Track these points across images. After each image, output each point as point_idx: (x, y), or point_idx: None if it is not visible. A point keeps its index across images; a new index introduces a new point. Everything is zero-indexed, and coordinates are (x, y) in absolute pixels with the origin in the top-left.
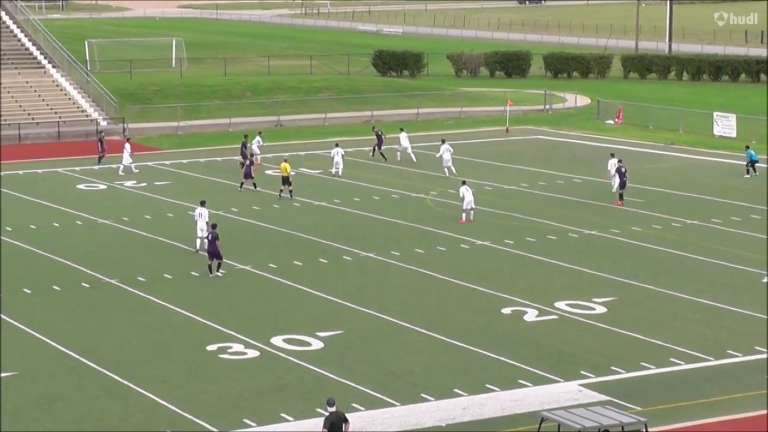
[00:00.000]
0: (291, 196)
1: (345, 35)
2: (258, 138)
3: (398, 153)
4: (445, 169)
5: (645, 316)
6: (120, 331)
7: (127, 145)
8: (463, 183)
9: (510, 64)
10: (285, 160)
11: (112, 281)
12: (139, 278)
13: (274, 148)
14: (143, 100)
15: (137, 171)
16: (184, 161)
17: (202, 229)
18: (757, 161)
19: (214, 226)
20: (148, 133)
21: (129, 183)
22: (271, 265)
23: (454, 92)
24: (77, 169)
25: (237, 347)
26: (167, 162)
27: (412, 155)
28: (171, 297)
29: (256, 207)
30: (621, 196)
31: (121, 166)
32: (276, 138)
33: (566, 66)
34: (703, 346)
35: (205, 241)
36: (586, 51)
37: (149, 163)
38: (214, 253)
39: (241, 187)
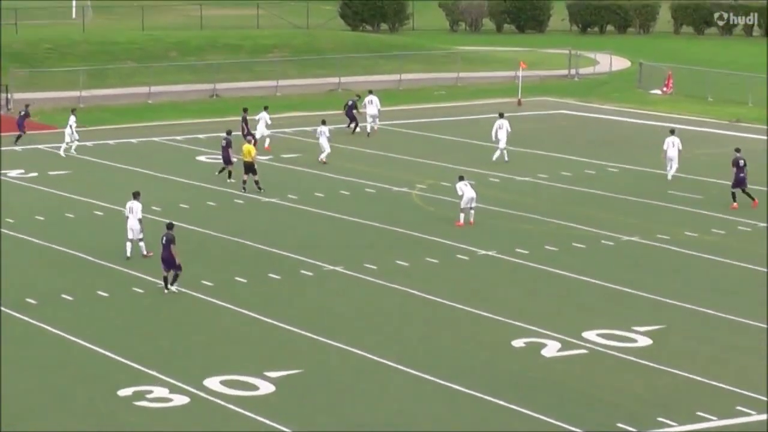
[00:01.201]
0: (258, 187)
1: None
2: (264, 113)
3: (368, 125)
4: (499, 152)
5: (703, 351)
6: (3, 370)
7: (72, 117)
8: (461, 178)
9: (523, 15)
10: (248, 141)
11: None
12: (29, 300)
13: (208, 127)
14: (33, 61)
15: (66, 155)
16: (87, 144)
17: (132, 228)
18: None
19: (170, 227)
20: (39, 106)
21: (14, 173)
22: (204, 282)
23: (448, 52)
24: None
25: (159, 392)
26: (66, 145)
27: (376, 125)
28: (71, 325)
29: (185, 205)
30: (734, 196)
31: (64, 145)
32: (210, 113)
33: (598, 17)
34: None
35: (140, 245)
36: None
37: (41, 146)
38: (169, 261)
39: (224, 174)
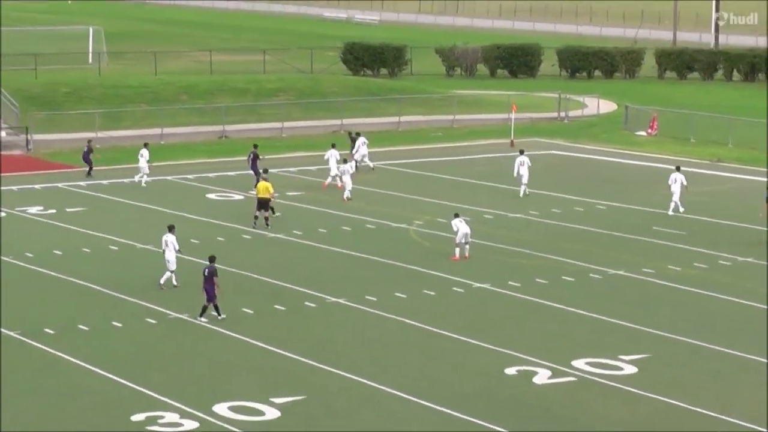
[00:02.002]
0: (267, 224)
1: (307, 24)
2: (332, 151)
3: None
4: (523, 188)
5: (686, 378)
6: (22, 397)
7: (145, 151)
8: (456, 215)
9: (515, 61)
10: (264, 179)
11: (12, 334)
12: (47, 330)
13: (217, 166)
14: (51, 104)
15: (144, 185)
16: (103, 182)
17: (169, 260)
18: None
19: (212, 260)
20: (57, 147)
21: (34, 209)
22: (213, 313)
23: (444, 96)
24: None
25: (170, 417)
26: (82, 183)
27: (370, 163)
28: (87, 354)
29: (195, 240)
30: None
31: (141, 178)
32: (219, 153)
33: (586, 63)
34: (759, 416)
35: (172, 276)
36: (611, 44)
37: (59, 185)
38: (209, 292)
39: (262, 216)
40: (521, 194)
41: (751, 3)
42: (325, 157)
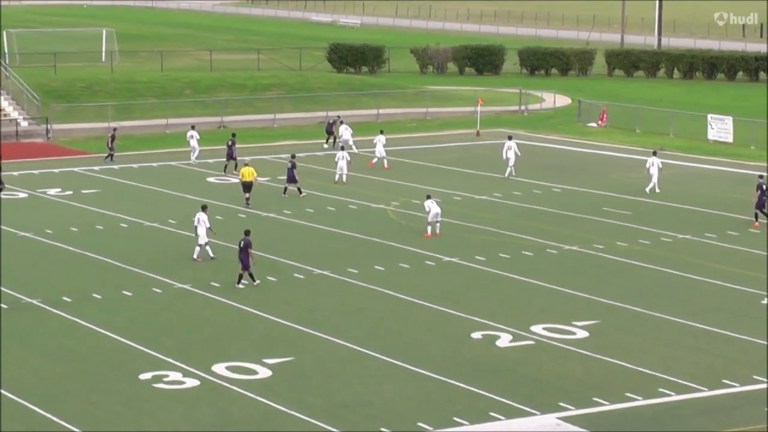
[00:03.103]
0: (247, 204)
1: (296, 26)
2: (380, 137)
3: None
4: (509, 169)
5: (631, 342)
6: (42, 358)
7: (194, 132)
8: (428, 197)
9: (481, 60)
10: (246, 164)
11: (34, 302)
12: (65, 298)
13: (217, 153)
14: (69, 97)
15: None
16: (114, 167)
17: (201, 236)
18: None
19: (247, 233)
20: (74, 135)
21: (53, 191)
22: (213, 283)
23: (418, 91)
24: None
25: (174, 376)
26: (96, 168)
27: (354, 149)
28: (100, 320)
29: None
30: (757, 216)
31: (195, 156)
32: (218, 141)
33: (544, 62)
34: (695, 375)
35: (207, 249)
36: (566, 45)
37: (75, 169)
38: (244, 261)
39: (284, 192)
40: (506, 175)
41: (751, 3)
42: (374, 141)
